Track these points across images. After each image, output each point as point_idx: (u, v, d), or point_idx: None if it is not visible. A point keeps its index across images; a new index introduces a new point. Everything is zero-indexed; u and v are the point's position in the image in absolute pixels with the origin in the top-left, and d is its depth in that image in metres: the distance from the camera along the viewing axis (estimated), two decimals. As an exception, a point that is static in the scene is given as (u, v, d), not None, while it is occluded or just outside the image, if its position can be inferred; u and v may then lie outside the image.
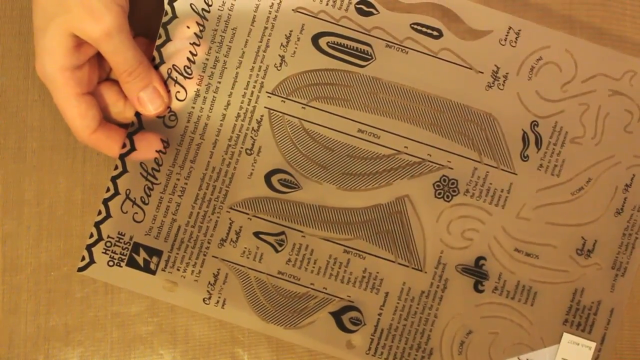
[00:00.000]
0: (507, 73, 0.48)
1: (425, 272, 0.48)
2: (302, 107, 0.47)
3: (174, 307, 0.48)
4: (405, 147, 0.48)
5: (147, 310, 0.48)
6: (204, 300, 0.47)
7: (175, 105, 0.47)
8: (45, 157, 0.49)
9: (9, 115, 0.49)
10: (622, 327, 0.49)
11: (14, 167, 0.49)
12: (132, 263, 0.46)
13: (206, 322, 0.48)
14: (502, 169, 0.48)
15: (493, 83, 0.48)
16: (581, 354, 0.48)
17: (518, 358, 0.48)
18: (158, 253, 0.47)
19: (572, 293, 0.48)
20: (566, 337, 0.48)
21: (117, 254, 0.46)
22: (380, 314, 0.47)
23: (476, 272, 0.48)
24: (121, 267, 0.46)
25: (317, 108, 0.47)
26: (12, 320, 0.48)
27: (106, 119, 0.47)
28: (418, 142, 0.48)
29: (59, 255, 0.48)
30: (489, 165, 0.48)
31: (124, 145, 0.46)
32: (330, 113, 0.47)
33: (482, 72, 0.48)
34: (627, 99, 0.48)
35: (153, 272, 0.47)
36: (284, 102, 0.47)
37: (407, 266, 0.48)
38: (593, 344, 0.48)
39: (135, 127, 0.47)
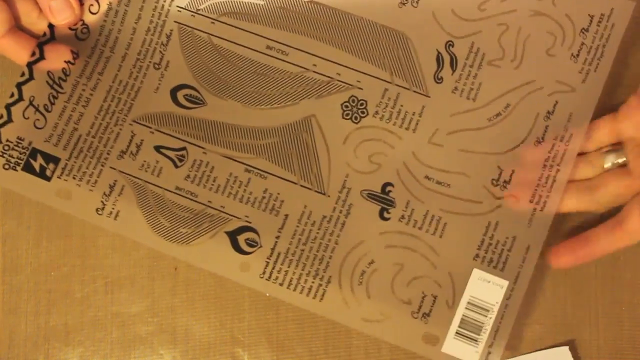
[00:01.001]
0: (421, -10, 0.46)
1: (328, 196, 0.45)
2: (212, 22, 0.47)
3: (174, 307, 0.48)
4: (313, 65, 0.46)
5: (147, 310, 0.48)
6: (97, 210, 0.46)
7: (89, 18, 0.47)
8: (46, 157, 0.49)
9: (9, 115, 0.50)
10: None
11: (14, 167, 0.49)
12: (28, 168, 0.46)
13: (206, 322, 0.47)
14: (414, 91, 0.45)
15: (406, 0, 0.46)
16: (492, 293, 0.44)
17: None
18: (55, 160, 0.46)
19: (486, 226, 0.45)
20: (476, 273, 0.44)
21: (14, 157, 0.46)
22: (278, 237, 0.45)
23: (382, 198, 0.45)
24: (17, 170, 0.46)
25: (226, 23, 0.47)
26: (12, 320, 0.48)
27: (19, 28, 0.47)
28: (327, 60, 0.46)
29: (59, 255, 0.48)
30: (401, 87, 0.45)
31: (33, 54, 0.46)
32: (239, 29, 0.46)
33: (395, -11, 0.46)
34: (549, 20, 0.45)
35: (48, 179, 0.46)
36: (194, 16, 0.47)
37: (310, 189, 0.45)
38: (505, 283, 0.44)
39: (47, 37, 0.47)
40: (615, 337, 0.46)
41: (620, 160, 0.43)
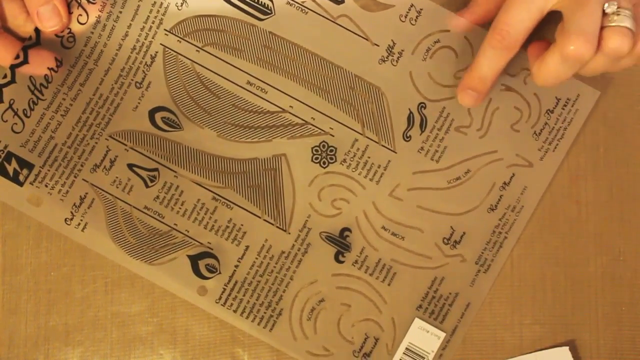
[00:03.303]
0: (402, 50, 0.47)
1: (289, 233, 0.48)
2: (197, 50, 0.48)
3: (174, 307, 0.49)
4: (290, 106, 0.48)
5: (147, 310, 0.49)
6: (65, 220, 0.47)
7: (76, 27, 0.48)
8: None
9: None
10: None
11: (15, 167, 0.49)
12: (1, 171, 0.47)
13: (206, 322, 0.48)
14: (383, 145, 0.48)
15: (387, 58, 0.47)
16: (429, 342, 0.47)
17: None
18: (30, 166, 0.47)
19: (432, 280, 0.48)
20: (417, 322, 0.47)
21: (-12, 159, 0.47)
22: (237, 266, 0.48)
23: (339, 242, 0.48)
24: (-10, 172, 0.47)
25: (210, 53, 0.48)
26: (12, 320, 0.48)
27: (5, 29, 0.48)
28: (304, 103, 0.48)
29: (59, 255, 0.49)
30: (370, 139, 0.48)
31: (17, 57, 0.47)
32: (223, 60, 0.48)
33: (378, 45, 0.47)
34: (519, 97, 0.47)
35: (20, 184, 0.47)
36: (180, 42, 0.48)
37: (272, 224, 0.48)
38: (443, 334, 0.47)
39: (32, 41, 0.47)
40: (615, 338, 0.48)
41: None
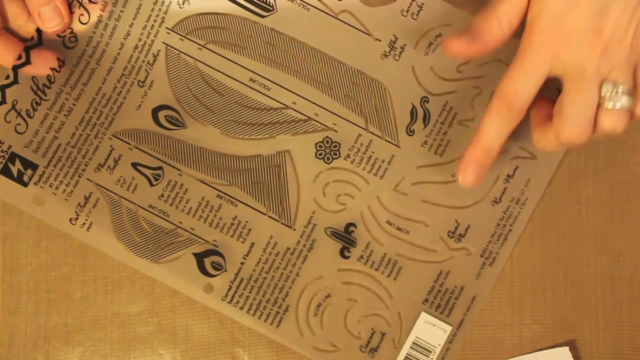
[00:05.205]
0: (404, 45, 0.47)
1: (294, 230, 0.48)
2: (199, 48, 0.48)
3: (174, 307, 0.49)
4: (293, 102, 0.48)
5: (147, 310, 0.49)
6: (70, 220, 0.47)
7: (78, 27, 0.48)
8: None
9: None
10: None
11: (14, 167, 0.49)
12: (5, 171, 0.47)
13: (206, 322, 0.48)
14: (386, 140, 0.48)
15: (389, 52, 0.48)
16: (436, 336, 0.47)
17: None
18: (34, 166, 0.47)
19: (437, 274, 0.48)
20: (423, 316, 0.48)
21: (-9, 160, 0.47)
22: (242, 263, 0.48)
23: (345, 237, 0.48)
24: (-6, 173, 0.47)
25: (213, 51, 0.48)
26: (12, 320, 0.48)
27: (7, 30, 0.48)
28: (307, 99, 0.48)
29: (59, 255, 0.49)
30: (374, 134, 0.48)
31: (19, 58, 0.47)
32: (225, 58, 0.48)
33: (380, 40, 0.48)
34: (520, 90, 0.47)
35: (25, 184, 0.47)
36: (182, 40, 0.48)
37: (277, 220, 0.48)
38: (449, 328, 0.47)
39: (34, 41, 0.47)
40: (615, 337, 0.48)
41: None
